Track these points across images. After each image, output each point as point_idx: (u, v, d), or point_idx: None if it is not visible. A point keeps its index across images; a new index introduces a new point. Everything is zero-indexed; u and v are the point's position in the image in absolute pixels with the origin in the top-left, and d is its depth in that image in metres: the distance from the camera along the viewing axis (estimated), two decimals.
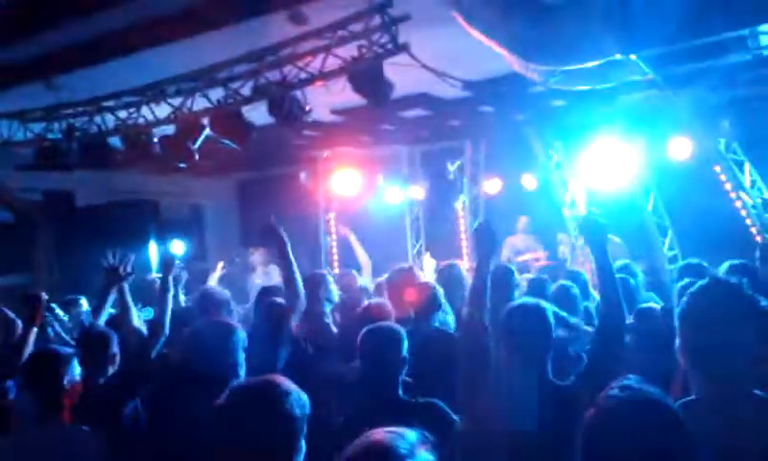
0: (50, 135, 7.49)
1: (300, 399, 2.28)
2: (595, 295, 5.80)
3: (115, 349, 4.35)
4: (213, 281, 9.43)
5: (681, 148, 9.26)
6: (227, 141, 6.48)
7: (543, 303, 3.33)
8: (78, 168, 8.14)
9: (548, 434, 2.87)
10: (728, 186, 9.43)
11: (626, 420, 1.84)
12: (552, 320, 3.21)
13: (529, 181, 11.03)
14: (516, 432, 2.96)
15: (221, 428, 2.22)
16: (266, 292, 5.47)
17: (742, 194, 9.36)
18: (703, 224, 10.01)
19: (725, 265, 5.25)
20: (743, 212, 9.40)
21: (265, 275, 10.67)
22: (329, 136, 10.12)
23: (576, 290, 4.50)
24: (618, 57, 5.19)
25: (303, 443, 2.26)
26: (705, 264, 5.69)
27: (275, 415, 2.20)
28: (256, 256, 10.94)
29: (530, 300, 3.44)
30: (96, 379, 4.13)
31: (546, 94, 8.08)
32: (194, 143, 6.61)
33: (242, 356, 3.51)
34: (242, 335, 3.58)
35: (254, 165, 12.54)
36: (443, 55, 6.27)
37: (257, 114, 6.54)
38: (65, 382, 3.53)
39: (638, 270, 6.01)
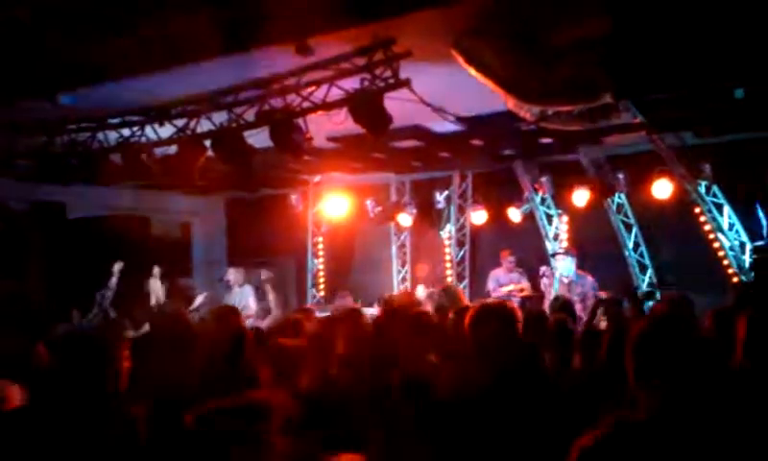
0: (51, 148, 7.60)
1: None
2: None
3: None
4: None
5: (663, 188, 9.54)
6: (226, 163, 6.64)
7: None
8: (73, 181, 8.26)
9: None
10: (707, 228, 9.73)
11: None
12: None
13: (514, 214, 11.26)
14: None
15: None
16: None
17: (721, 236, 9.66)
18: (681, 263, 10.32)
19: None
20: (721, 253, 9.69)
21: (241, 294, 10.66)
22: (322, 161, 10.31)
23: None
24: (611, 101, 5.48)
25: None
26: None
27: None
28: (232, 275, 10.93)
29: None
30: None
31: (535, 131, 8.34)
32: (195, 164, 6.76)
33: None
34: None
35: (244, 185, 12.68)
36: (438, 89, 6.48)
37: (255, 137, 6.73)
38: None
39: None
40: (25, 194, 10.57)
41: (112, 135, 7.35)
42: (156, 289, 10.45)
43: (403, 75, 5.74)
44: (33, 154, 7.68)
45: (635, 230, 10.88)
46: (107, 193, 10.86)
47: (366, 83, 5.86)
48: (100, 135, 7.33)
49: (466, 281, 12.31)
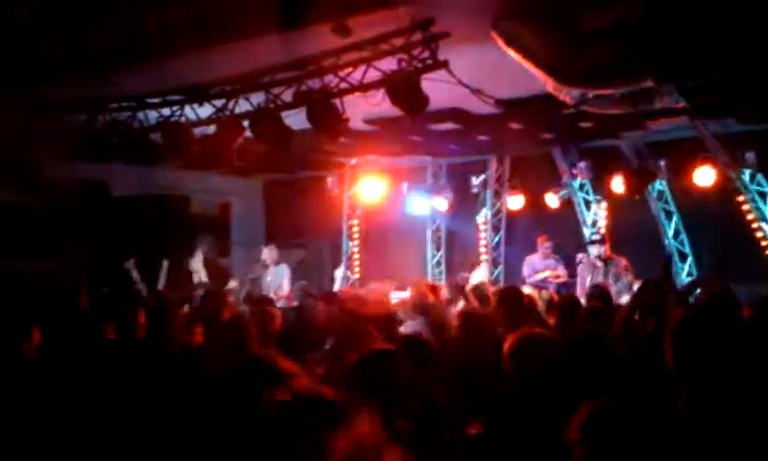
0: (93, 127, 7.74)
1: None
2: None
3: None
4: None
5: (705, 176, 9.34)
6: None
7: None
8: (115, 160, 8.41)
9: None
10: (750, 217, 9.51)
11: None
12: None
13: (552, 200, 11.14)
14: None
15: None
16: None
17: (764, 226, 9.44)
18: (722, 252, 10.12)
19: None
20: (764, 243, 9.47)
21: (276, 273, 10.52)
22: (359, 144, 10.31)
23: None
24: (651, 84, 5.38)
25: None
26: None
27: None
28: (266, 254, 10.73)
29: None
30: None
31: (575, 116, 8.22)
32: (233, 144, 6.83)
33: None
34: None
35: (282, 167, 12.76)
36: (477, 71, 6.43)
37: (291, 118, 6.76)
38: None
39: None
40: (68, 172, 10.76)
41: (153, 115, 7.46)
42: (199, 268, 10.55)
43: (441, 56, 5.72)
44: (75, 132, 7.82)
45: (675, 217, 10.70)
46: (147, 173, 11.00)
47: (403, 63, 5.85)
48: (140, 115, 7.44)
49: (500, 267, 12.24)
